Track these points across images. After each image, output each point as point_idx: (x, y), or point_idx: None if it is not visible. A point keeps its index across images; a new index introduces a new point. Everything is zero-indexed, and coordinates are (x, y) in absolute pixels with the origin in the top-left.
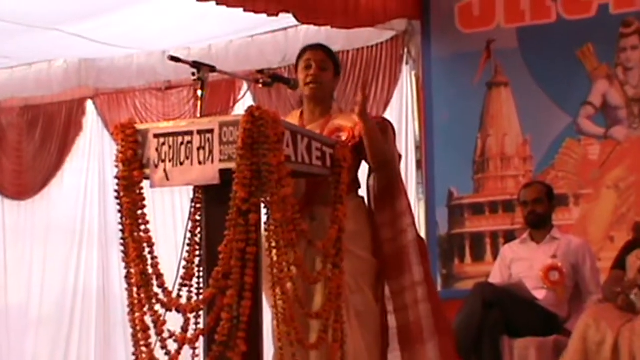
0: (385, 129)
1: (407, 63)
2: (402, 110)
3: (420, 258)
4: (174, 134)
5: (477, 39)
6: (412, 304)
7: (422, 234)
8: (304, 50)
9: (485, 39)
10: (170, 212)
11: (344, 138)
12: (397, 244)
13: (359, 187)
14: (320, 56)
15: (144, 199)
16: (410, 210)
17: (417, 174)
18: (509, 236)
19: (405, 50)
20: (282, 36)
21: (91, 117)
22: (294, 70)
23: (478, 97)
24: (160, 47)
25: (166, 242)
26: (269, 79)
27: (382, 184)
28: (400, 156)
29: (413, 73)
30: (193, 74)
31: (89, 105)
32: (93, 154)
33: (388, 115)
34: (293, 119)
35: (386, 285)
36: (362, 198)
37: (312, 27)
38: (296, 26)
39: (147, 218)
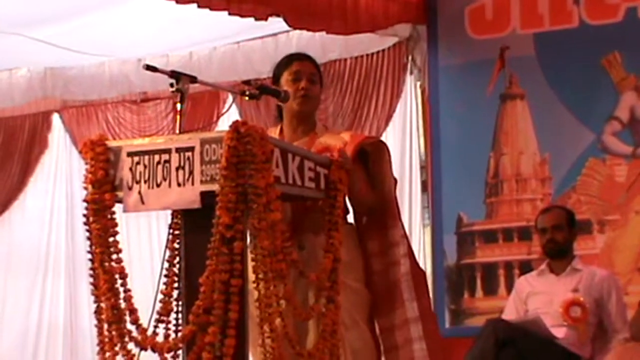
0: (379, 153)
1: (411, 73)
2: (405, 126)
3: (416, 292)
4: (150, 152)
5: (489, 46)
6: (404, 344)
7: (428, 263)
8: (290, 60)
9: (499, 45)
10: (146, 239)
11: None
12: (388, 277)
13: (347, 212)
14: (309, 68)
15: (116, 225)
16: (406, 238)
17: (422, 197)
18: (525, 267)
19: (410, 58)
20: (272, 43)
21: (57, 132)
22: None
23: (491, 110)
24: (136, 55)
25: (141, 273)
26: (256, 90)
27: (372, 212)
28: (395, 181)
29: (418, 84)
30: (171, 85)
31: (55, 119)
32: (59, 173)
33: (390, 131)
34: (274, 133)
35: (375, 322)
36: (352, 225)
37: (305, 32)
38: (287, 32)
39: (120, 246)
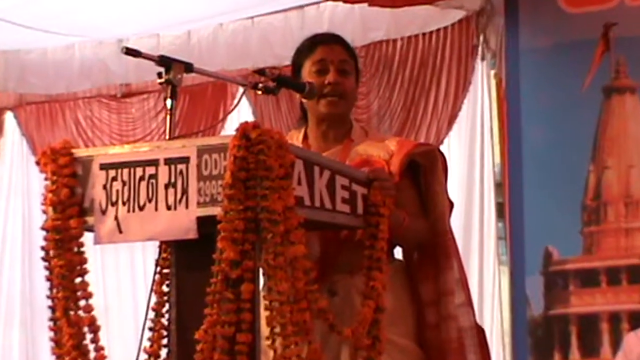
0: (432, 166)
1: (482, 58)
2: (475, 129)
3: (479, 355)
4: (131, 165)
5: (589, 23)
6: None
7: (506, 314)
8: (313, 45)
9: (602, 22)
10: (126, 280)
11: None
12: (440, 335)
13: (394, 245)
14: (339, 54)
15: (85, 261)
16: (465, 285)
17: (497, 225)
18: (637, 319)
19: (481, 39)
20: (297, 18)
21: (11, 137)
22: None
23: (590, 109)
24: (115, 35)
25: (119, 325)
26: (273, 82)
27: (423, 248)
28: (451, 205)
29: (492, 73)
30: (160, 75)
31: (8, 119)
32: (13, 191)
33: (454, 137)
34: (296, 141)
35: None
36: (400, 262)
37: (340, 4)
38: (317, 3)
39: (91, 289)
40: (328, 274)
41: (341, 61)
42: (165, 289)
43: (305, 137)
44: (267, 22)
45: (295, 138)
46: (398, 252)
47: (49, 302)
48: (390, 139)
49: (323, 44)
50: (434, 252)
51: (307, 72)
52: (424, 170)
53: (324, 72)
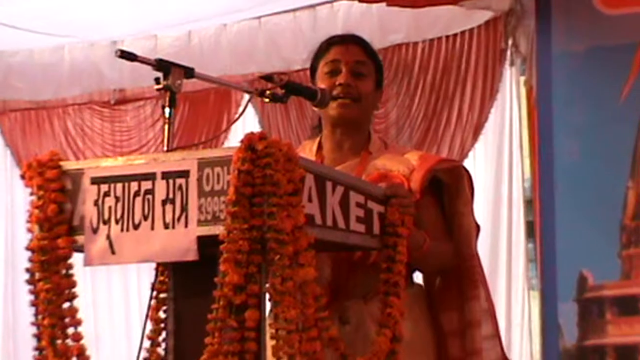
0: (457, 185)
1: (511, 64)
2: (503, 141)
3: None
4: (125, 179)
5: (628, 25)
6: None
7: (536, 344)
8: (328, 46)
9: None
10: (119, 305)
11: None
12: None
13: (414, 269)
14: (354, 54)
15: (73, 284)
16: (492, 315)
17: (526, 247)
18: None
19: (509, 42)
20: (308, 18)
21: None
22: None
23: (628, 120)
24: (109, 36)
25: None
26: (282, 89)
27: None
28: (478, 227)
29: (522, 80)
30: (157, 81)
31: None
32: None
33: (480, 150)
34: (305, 155)
35: None
36: (420, 287)
37: (356, 3)
38: (330, 2)
39: (80, 315)
40: (340, 299)
41: (356, 62)
42: (162, 315)
43: (320, 147)
44: (274, 22)
45: (308, 149)
46: (418, 277)
47: (34, 330)
48: (411, 152)
49: (338, 44)
50: (459, 278)
51: (320, 75)
52: (448, 189)
53: (335, 73)
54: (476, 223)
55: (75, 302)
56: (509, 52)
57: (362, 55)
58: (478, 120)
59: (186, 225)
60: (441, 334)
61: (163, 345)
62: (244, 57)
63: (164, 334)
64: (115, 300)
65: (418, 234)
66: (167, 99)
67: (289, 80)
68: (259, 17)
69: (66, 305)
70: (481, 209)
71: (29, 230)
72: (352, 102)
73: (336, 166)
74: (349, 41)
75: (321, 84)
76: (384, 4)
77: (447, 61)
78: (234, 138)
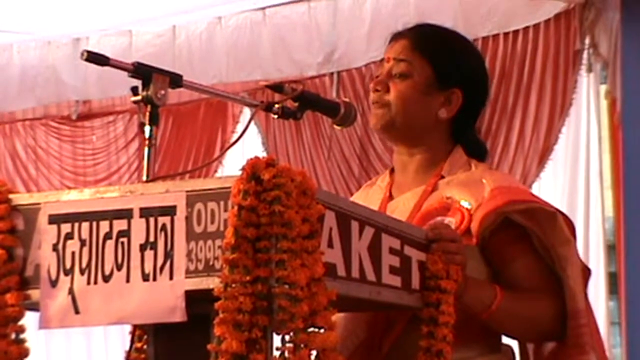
0: (542, 228)
1: (589, 69)
2: (577, 169)
3: None
4: (93, 216)
5: None
6: None
7: None
8: (389, 42)
9: None
10: None
11: (452, 226)
12: None
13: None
14: (397, 51)
15: (26, 353)
16: None
17: (607, 305)
18: None
19: (586, 42)
20: (324, 10)
21: None
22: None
23: None
24: (70, 32)
25: None
26: (294, 101)
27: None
28: (588, 271)
29: (602, 90)
30: (134, 91)
31: None
32: None
33: (548, 178)
34: (382, 180)
35: None
36: (510, 348)
37: None
38: None
39: None
40: None
41: (397, 61)
42: None
43: (392, 170)
44: (283, 14)
45: (382, 177)
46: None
47: None
48: (492, 174)
49: (392, 40)
50: (563, 341)
51: None
52: (533, 234)
53: (376, 78)
54: (584, 266)
55: None
56: (585, 54)
57: (406, 52)
58: (545, 142)
59: (171, 277)
60: None
61: None
62: (243, 59)
63: None
64: None
65: (485, 289)
66: (147, 113)
67: (304, 90)
68: (263, 8)
69: None
70: None
71: None
72: (379, 109)
73: (402, 192)
74: (402, 36)
75: None
76: None
77: (506, 65)
78: (232, 164)
